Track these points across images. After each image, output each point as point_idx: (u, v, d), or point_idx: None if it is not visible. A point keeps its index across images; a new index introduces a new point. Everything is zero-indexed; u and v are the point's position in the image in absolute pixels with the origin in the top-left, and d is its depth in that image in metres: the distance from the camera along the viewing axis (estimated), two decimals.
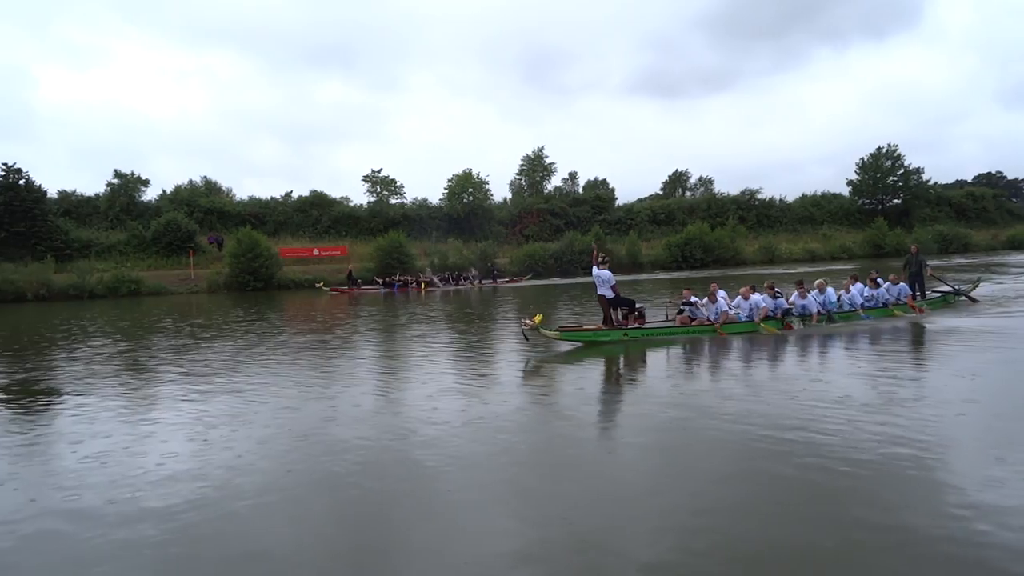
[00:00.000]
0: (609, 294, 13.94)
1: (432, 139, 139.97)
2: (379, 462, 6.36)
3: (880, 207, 74.77)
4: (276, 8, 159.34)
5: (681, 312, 14.93)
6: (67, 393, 10.32)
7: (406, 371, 11.69)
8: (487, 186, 66.04)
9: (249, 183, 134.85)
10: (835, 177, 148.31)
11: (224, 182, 70.07)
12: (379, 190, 66.92)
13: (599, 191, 75.19)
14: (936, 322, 15.09)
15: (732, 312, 14.63)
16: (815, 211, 74.48)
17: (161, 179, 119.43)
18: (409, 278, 42.64)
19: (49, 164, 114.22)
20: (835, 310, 15.41)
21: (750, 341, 13.40)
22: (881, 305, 16.13)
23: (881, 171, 74.25)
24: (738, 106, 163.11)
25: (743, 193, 74.30)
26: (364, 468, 6.18)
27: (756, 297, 14.75)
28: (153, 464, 6.52)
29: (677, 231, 61.59)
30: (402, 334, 17.54)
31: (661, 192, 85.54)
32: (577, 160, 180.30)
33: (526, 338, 13.33)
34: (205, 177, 67.87)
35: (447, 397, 9.18)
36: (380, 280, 42.41)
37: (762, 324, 14.26)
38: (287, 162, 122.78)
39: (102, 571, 4.38)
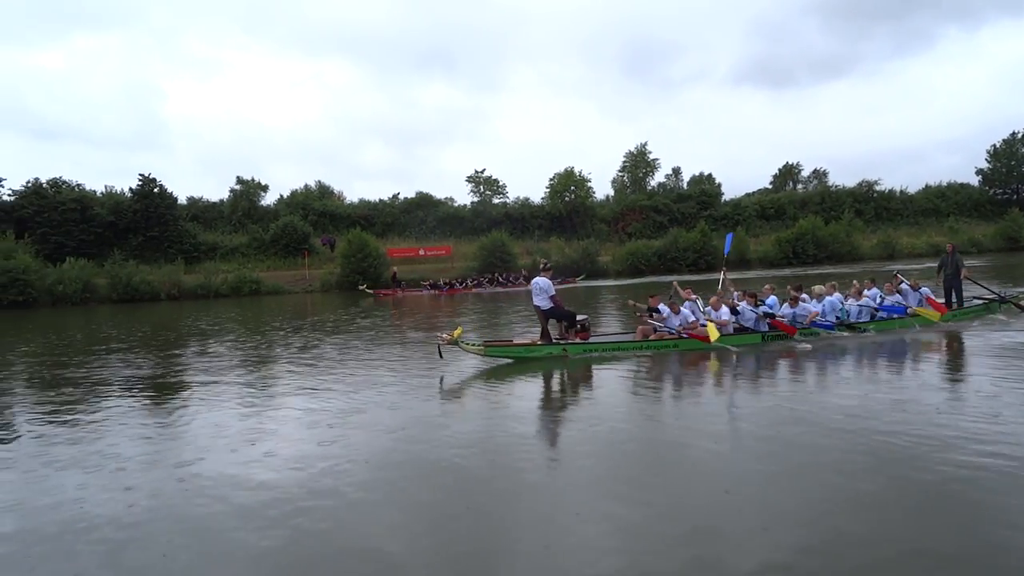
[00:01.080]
0: (545, 304, 12.31)
1: (533, 138, 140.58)
2: (482, 458, 6.44)
3: (1015, 197, 69.22)
4: (382, 15, 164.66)
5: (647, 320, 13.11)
6: (197, 385, 11.07)
7: (496, 371, 11.62)
8: (589, 184, 65.94)
9: (359, 186, 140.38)
10: (962, 166, 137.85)
11: (336, 185, 73.39)
12: (482, 190, 68.20)
13: (704, 186, 73.33)
14: (973, 334, 12.99)
15: (701, 324, 12.71)
16: (940, 203, 69.72)
17: (278, 184, 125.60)
18: (456, 280, 43.10)
19: (178, 172, 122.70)
20: (832, 321, 13.40)
21: (719, 358, 11.63)
22: (897, 315, 13.80)
23: (1016, 158, 68.77)
24: (854, 93, 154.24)
25: (860, 185, 70.51)
26: (468, 464, 6.27)
27: (726, 308, 12.96)
28: (264, 455, 6.84)
29: (788, 226, 59.25)
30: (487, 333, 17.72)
31: (770, 186, 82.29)
32: (681, 155, 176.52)
33: (441, 355, 11.76)
34: (319, 181, 71.11)
35: (539, 396, 9.26)
36: (440, 281, 42.95)
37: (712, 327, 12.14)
38: (394, 164, 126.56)
39: (214, 560, 4.62)
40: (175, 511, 5.46)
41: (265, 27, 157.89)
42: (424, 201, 65.47)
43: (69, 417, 9.11)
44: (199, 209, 60.54)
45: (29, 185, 51.43)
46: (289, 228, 53.75)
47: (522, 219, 64.12)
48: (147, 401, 10.21)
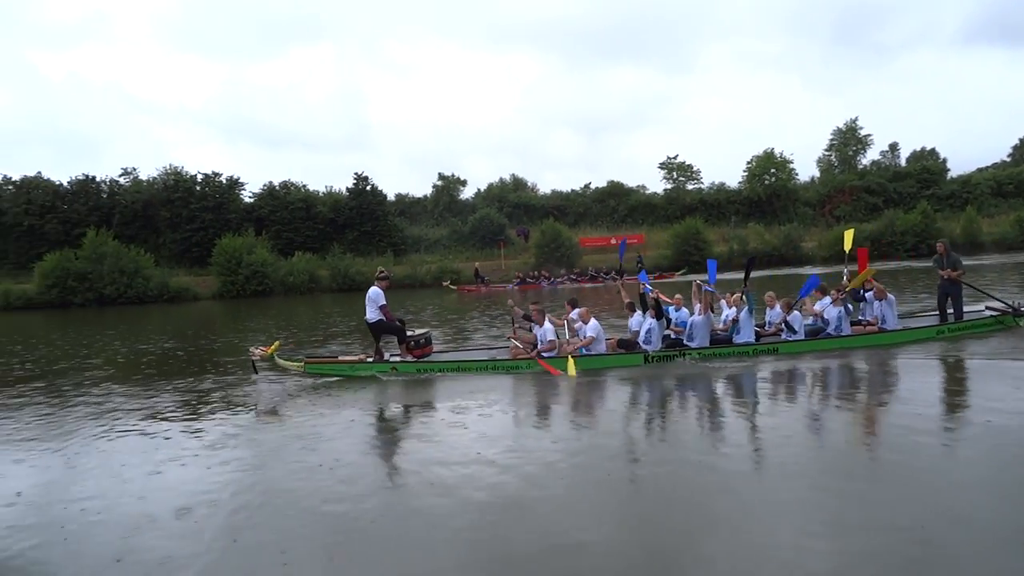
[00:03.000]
0: (373, 317, 11.49)
1: (728, 119, 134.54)
2: (675, 465, 6.34)
3: None
4: (568, 2, 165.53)
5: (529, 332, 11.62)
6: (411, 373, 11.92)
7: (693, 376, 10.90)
8: (791, 165, 62.10)
9: (550, 177, 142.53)
10: None
11: (528, 177, 75.18)
12: (675, 176, 66.51)
13: (926, 162, 66.07)
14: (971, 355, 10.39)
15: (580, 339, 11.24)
16: None
17: (475, 178, 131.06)
18: (544, 273, 42.27)
19: (385, 170, 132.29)
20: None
21: (595, 380, 10.19)
22: (830, 333, 11.43)
23: None
24: None
25: None
26: (660, 471, 6.14)
27: (595, 323, 11.34)
28: (464, 447, 7.08)
29: None
30: None
31: (1009, 159, 72.57)
32: (898, 129, 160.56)
33: (255, 371, 11.06)
34: (513, 174, 73.50)
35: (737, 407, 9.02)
36: (522, 276, 42.18)
37: (569, 358, 10.50)
38: (584, 154, 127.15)
39: (412, 548, 4.80)
40: (385, 493, 5.92)
41: (456, 26, 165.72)
42: (615, 190, 65.24)
43: (309, 395, 10.25)
44: (405, 204, 65.19)
45: (265, 188, 58.55)
46: (486, 220, 56.20)
47: (717, 205, 61.77)
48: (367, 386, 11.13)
